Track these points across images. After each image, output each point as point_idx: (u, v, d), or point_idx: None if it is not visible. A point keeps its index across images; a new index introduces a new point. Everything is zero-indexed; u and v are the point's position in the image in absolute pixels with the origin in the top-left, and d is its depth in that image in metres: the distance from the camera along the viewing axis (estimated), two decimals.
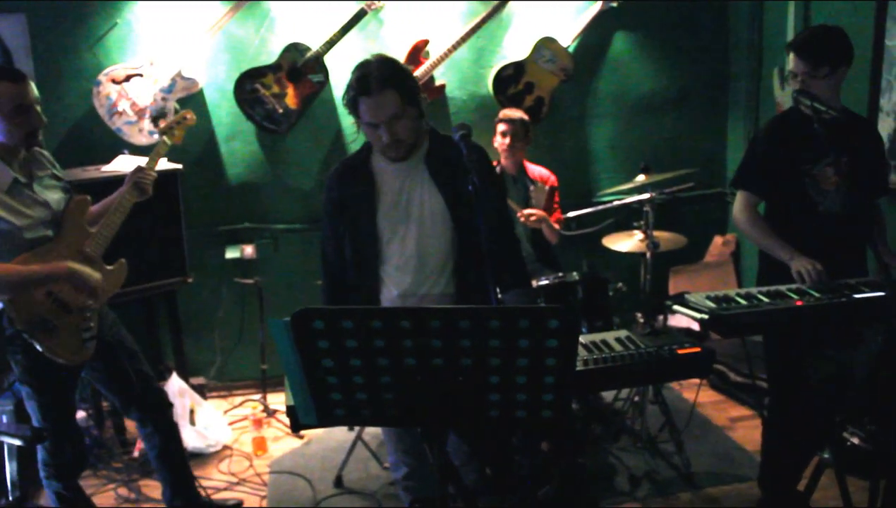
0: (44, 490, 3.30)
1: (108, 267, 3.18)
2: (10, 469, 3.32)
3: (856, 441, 3.63)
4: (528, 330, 1.72)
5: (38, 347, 2.89)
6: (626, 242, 4.22)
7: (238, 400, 4.97)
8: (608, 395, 4.42)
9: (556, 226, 4.51)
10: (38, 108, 2.95)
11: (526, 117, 4.47)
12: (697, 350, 2.54)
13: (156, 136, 4.54)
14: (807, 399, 3.12)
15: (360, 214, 2.72)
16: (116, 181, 3.24)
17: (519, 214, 4.34)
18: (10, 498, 3.36)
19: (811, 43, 3.07)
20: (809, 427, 3.17)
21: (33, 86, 2.95)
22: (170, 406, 3.46)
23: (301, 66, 4.70)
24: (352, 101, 2.59)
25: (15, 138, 2.91)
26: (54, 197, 3.06)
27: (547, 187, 4.53)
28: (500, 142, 4.44)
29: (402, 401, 1.86)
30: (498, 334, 1.73)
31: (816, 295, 2.79)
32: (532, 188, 4.42)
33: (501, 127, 4.42)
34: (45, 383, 3.04)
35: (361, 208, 2.71)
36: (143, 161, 3.33)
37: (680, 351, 2.52)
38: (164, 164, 4.34)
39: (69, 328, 2.98)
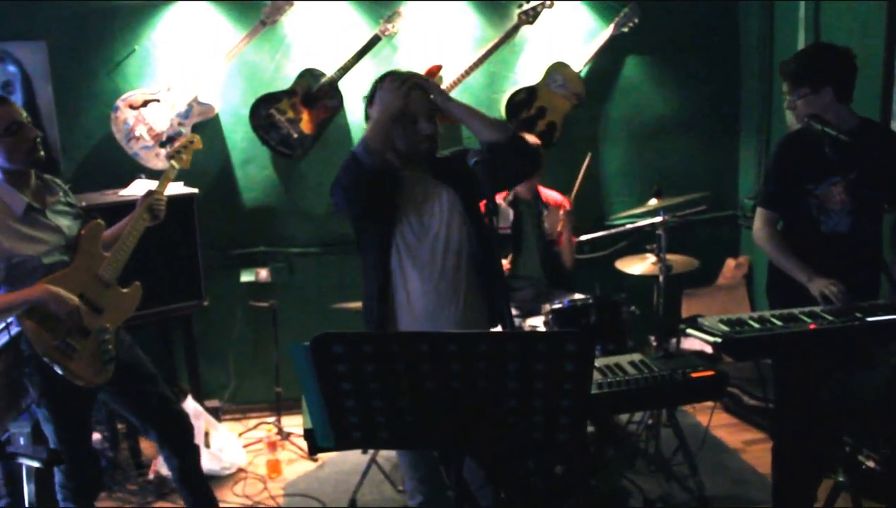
0: None
1: (123, 290, 3.22)
2: (28, 490, 3.35)
3: (871, 464, 3.61)
4: (545, 353, 1.75)
5: (59, 370, 2.91)
6: (638, 265, 4.23)
7: (253, 422, 4.99)
8: (621, 418, 4.41)
9: (574, 244, 4.53)
10: (29, 122, 3.00)
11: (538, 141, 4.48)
12: (711, 373, 2.55)
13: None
14: (814, 420, 3.12)
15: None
16: (133, 205, 3.29)
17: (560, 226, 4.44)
18: None
19: (789, 63, 3.09)
20: (817, 449, 3.16)
21: (17, 105, 3.02)
22: (190, 428, 3.45)
23: (316, 91, 4.76)
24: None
25: (18, 158, 2.96)
26: (66, 222, 3.11)
27: (561, 211, 4.54)
28: None
29: (420, 424, 1.88)
30: (515, 358, 1.75)
31: (829, 318, 2.79)
32: (545, 212, 4.43)
33: None
34: (62, 405, 3.06)
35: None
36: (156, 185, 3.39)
37: (694, 375, 2.53)
38: (180, 188, 4.40)
39: (88, 350, 3.01)
